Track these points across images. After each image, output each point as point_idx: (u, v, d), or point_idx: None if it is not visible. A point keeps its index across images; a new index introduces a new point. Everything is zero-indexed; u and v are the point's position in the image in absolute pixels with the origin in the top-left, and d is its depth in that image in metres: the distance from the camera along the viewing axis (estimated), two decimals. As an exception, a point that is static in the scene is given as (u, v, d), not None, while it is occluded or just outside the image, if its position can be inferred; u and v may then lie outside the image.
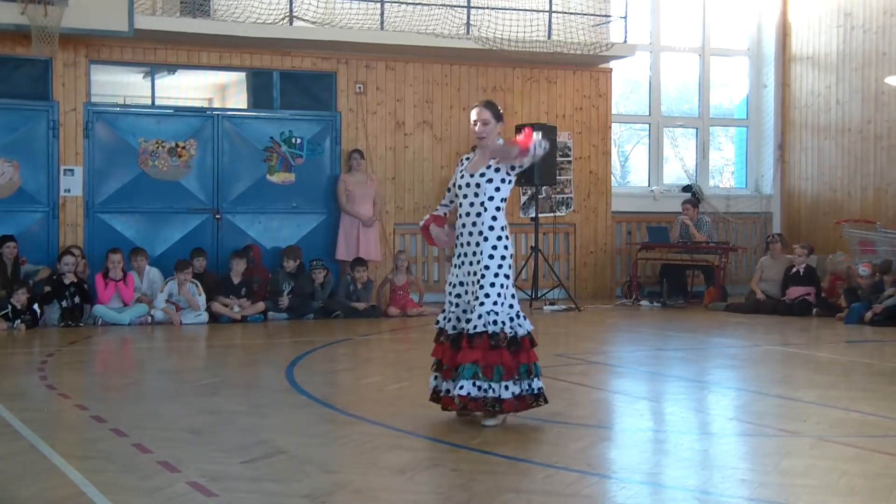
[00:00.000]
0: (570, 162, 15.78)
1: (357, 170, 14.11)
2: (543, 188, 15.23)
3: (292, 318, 12.89)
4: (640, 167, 17.88)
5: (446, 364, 6.52)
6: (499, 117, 6.52)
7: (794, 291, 13.92)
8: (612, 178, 16.60)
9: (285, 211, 14.20)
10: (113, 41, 13.25)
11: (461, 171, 6.57)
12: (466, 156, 6.70)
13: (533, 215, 14.78)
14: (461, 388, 6.27)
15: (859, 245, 14.50)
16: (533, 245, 14.56)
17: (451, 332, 6.53)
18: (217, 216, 13.85)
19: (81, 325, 12.01)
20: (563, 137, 15.50)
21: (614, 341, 11.96)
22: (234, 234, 13.88)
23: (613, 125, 16.39)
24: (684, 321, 13.23)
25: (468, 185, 6.42)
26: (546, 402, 6.53)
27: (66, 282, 12.00)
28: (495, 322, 6.29)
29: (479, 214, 6.37)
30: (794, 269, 14.08)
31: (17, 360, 9.73)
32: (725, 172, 18.82)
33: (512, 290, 6.41)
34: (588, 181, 15.98)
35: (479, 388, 6.28)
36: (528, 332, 6.43)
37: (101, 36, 13.04)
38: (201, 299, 12.46)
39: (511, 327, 6.34)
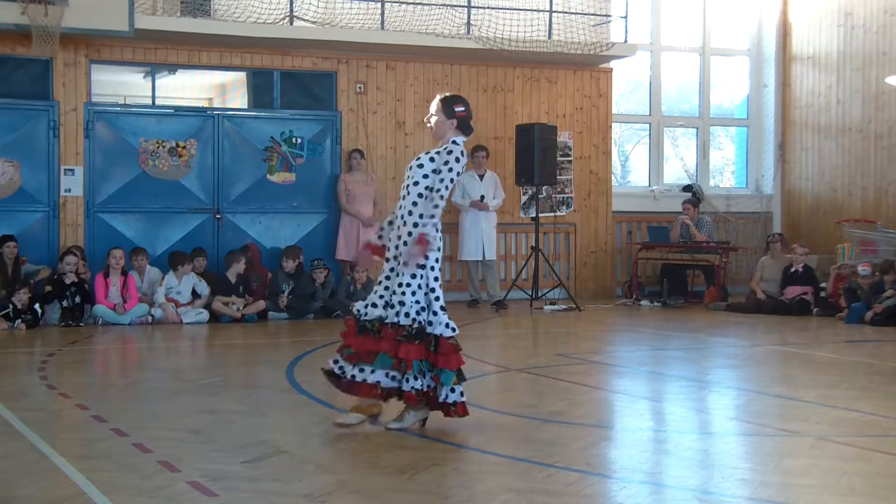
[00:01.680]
0: (570, 162, 15.78)
1: (357, 169, 14.11)
2: (544, 188, 15.23)
3: (292, 318, 12.89)
4: (641, 167, 17.88)
5: (354, 349, 6.29)
6: (449, 114, 6.39)
7: (792, 291, 13.92)
8: (613, 178, 16.60)
9: (286, 211, 14.20)
10: (113, 41, 13.25)
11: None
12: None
13: (533, 215, 14.77)
14: (373, 373, 6.17)
15: (860, 245, 14.50)
16: (533, 245, 14.55)
17: (364, 317, 6.28)
18: (217, 216, 13.85)
19: (82, 324, 12.02)
20: (563, 137, 15.49)
21: (614, 341, 11.96)
22: (234, 234, 13.88)
23: (614, 125, 16.39)
24: (684, 321, 13.23)
25: (409, 167, 6.38)
26: (459, 415, 6.25)
27: (67, 281, 12.01)
28: (407, 315, 6.16)
29: (403, 198, 6.29)
30: (793, 269, 14.09)
31: (17, 359, 9.74)
32: (726, 172, 18.82)
33: (426, 281, 6.19)
34: (588, 181, 15.98)
35: (393, 377, 6.18)
36: (438, 333, 6.20)
37: (102, 36, 13.04)
38: (202, 286, 12.50)
39: (417, 320, 6.17)
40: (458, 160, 6.27)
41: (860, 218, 15.41)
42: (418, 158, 6.38)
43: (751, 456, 6.03)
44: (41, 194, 13.18)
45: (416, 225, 6.20)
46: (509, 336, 12.14)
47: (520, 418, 6.73)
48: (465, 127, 6.43)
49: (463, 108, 6.44)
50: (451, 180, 6.24)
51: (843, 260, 14.29)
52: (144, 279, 12.67)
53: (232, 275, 12.77)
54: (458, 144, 6.35)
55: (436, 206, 6.20)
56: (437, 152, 6.33)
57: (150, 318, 12.24)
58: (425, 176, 6.27)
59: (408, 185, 6.30)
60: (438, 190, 6.20)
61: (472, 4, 14.89)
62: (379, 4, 14.45)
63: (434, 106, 6.49)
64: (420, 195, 6.25)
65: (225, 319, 12.50)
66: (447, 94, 6.62)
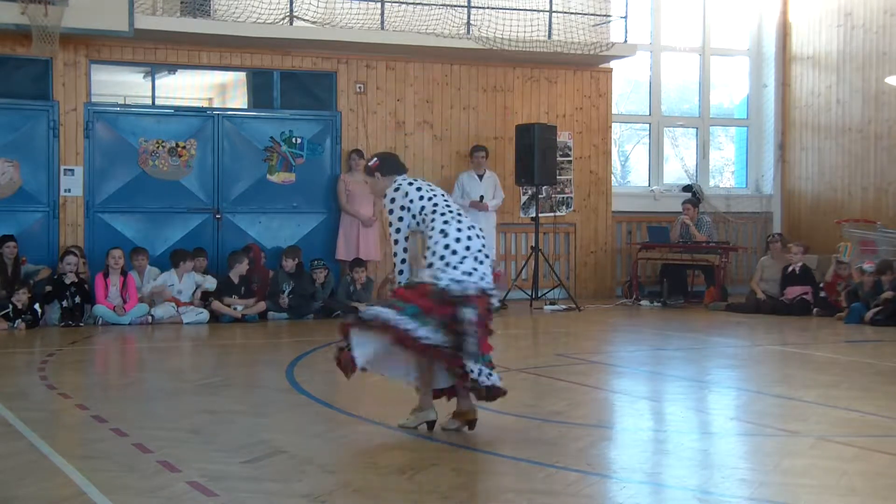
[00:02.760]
0: (570, 162, 15.77)
1: (356, 170, 14.11)
2: (544, 188, 15.23)
3: (293, 318, 12.89)
4: (641, 167, 17.87)
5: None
6: (369, 172, 6.74)
7: (792, 291, 13.91)
8: (613, 178, 16.60)
9: (285, 211, 14.20)
10: (113, 41, 13.24)
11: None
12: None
13: (533, 215, 14.77)
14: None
15: (860, 245, 14.50)
16: (533, 245, 14.55)
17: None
18: (217, 216, 13.85)
19: (82, 324, 12.01)
20: (563, 137, 15.49)
21: (614, 341, 11.96)
22: (234, 234, 13.88)
23: (614, 125, 16.38)
24: (684, 321, 13.22)
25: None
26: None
27: (67, 282, 12.01)
28: None
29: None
30: (791, 268, 14.08)
31: (17, 359, 9.74)
32: (726, 172, 18.82)
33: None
34: (588, 181, 15.98)
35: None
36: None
37: (102, 36, 13.04)
38: (210, 282, 12.57)
39: None
40: (392, 200, 6.46)
41: (860, 218, 15.41)
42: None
43: (751, 456, 6.03)
44: (41, 194, 13.18)
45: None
46: (509, 336, 12.13)
47: (520, 418, 6.73)
48: (391, 170, 6.65)
49: (375, 160, 6.76)
50: (399, 218, 6.41)
51: (844, 257, 14.26)
52: (144, 279, 12.66)
53: (235, 275, 12.76)
54: (393, 187, 6.52)
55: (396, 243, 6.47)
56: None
57: (150, 318, 12.23)
58: (431, 229, 6.34)
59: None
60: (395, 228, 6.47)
61: (472, 4, 14.89)
62: (379, 4, 14.45)
63: (365, 176, 6.92)
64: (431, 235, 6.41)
65: (225, 319, 12.49)
66: (368, 160, 7.03)
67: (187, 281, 12.61)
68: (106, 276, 12.23)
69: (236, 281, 12.75)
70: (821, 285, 14.01)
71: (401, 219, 6.38)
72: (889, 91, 15.23)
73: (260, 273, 13.22)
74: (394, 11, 14.55)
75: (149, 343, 11.08)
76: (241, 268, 12.79)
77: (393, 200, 6.43)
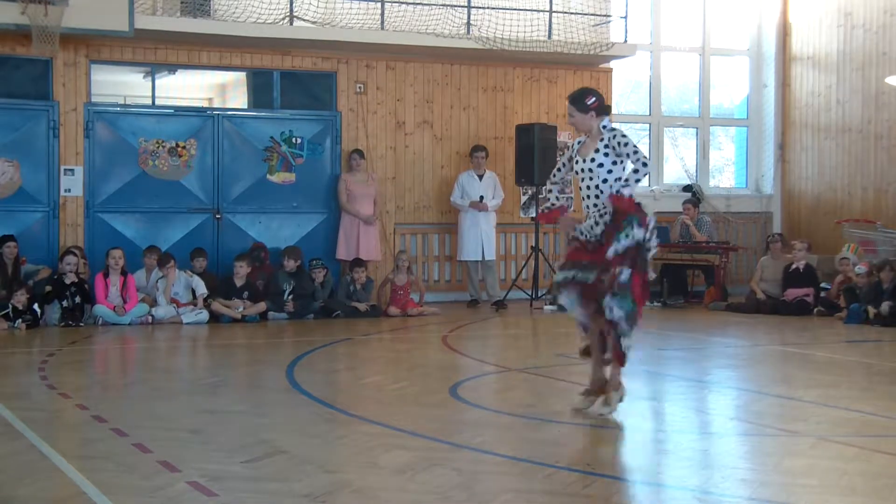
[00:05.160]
0: (570, 162, 15.75)
1: (357, 170, 14.11)
2: (544, 188, 15.21)
3: (293, 318, 12.88)
4: (641, 167, 17.85)
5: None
6: (583, 109, 6.85)
7: (792, 293, 13.80)
8: (613, 178, 16.57)
9: (285, 211, 14.20)
10: (113, 41, 13.24)
11: (575, 156, 6.91)
12: (578, 139, 7.01)
13: (533, 215, 14.77)
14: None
15: (860, 245, 14.50)
16: (533, 245, 14.55)
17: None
18: (217, 216, 13.85)
19: (82, 324, 12.01)
20: (563, 137, 15.47)
21: (614, 341, 11.93)
22: (234, 234, 13.88)
23: (614, 125, 16.34)
24: (684, 321, 13.22)
25: (583, 169, 6.81)
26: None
27: (67, 282, 12.01)
28: None
29: (597, 196, 6.73)
30: (794, 267, 14.01)
31: (17, 359, 9.74)
32: (726, 172, 18.82)
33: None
34: (588, 181, 15.95)
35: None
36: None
37: (102, 36, 13.03)
38: (199, 284, 12.51)
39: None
40: (623, 135, 6.82)
41: (860, 218, 15.41)
42: (593, 160, 6.77)
43: (751, 456, 6.04)
44: (41, 194, 13.18)
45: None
46: (509, 336, 12.14)
47: (520, 418, 6.73)
48: (604, 111, 6.91)
49: (595, 99, 6.89)
50: (635, 146, 6.78)
51: (847, 252, 14.20)
52: (152, 278, 12.65)
53: (239, 278, 12.69)
54: (607, 127, 6.87)
55: (637, 171, 6.78)
56: (605, 146, 6.78)
57: (150, 318, 12.23)
58: (609, 171, 6.74)
59: (598, 185, 6.73)
60: (638, 159, 6.73)
61: (472, 4, 14.89)
62: (379, 4, 14.45)
63: (569, 109, 6.93)
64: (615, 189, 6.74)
65: (225, 319, 12.48)
66: (572, 93, 7.05)
67: (182, 283, 12.57)
68: (106, 276, 12.22)
69: (239, 284, 12.70)
70: (823, 286, 13.96)
71: (635, 146, 6.78)
72: (889, 91, 15.23)
73: (266, 272, 13.22)
74: (394, 11, 14.55)
75: (149, 343, 11.08)
76: (245, 270, 12.74)
77: (623, 135, 6.84)
